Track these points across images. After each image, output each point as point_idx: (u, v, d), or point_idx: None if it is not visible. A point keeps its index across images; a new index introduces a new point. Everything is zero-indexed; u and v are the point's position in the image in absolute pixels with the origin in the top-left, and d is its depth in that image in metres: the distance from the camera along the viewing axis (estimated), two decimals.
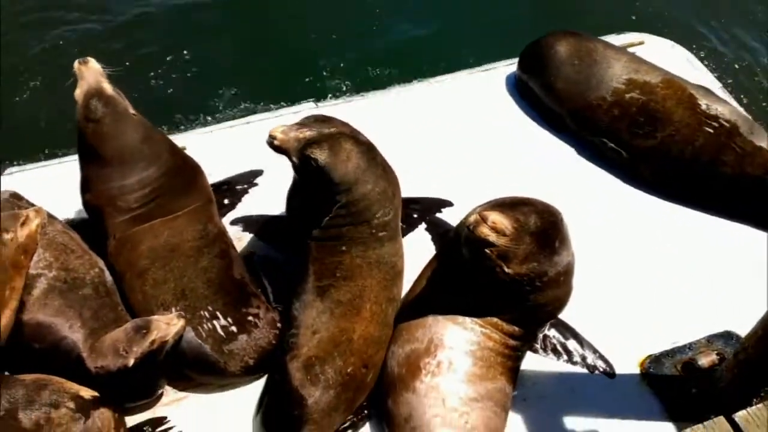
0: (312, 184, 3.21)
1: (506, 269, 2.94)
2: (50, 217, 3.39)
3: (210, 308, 3.28)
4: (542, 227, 2.97)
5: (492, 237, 2.88)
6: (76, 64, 3.36)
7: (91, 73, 3.34)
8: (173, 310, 3.18)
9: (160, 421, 3.28)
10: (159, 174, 3.42)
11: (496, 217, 2.90)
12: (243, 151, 4.42)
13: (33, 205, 3.53)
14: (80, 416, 2.82)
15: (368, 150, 3.22)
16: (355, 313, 3.19)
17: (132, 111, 3.43)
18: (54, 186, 4.18)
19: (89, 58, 3.39)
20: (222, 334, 3.25)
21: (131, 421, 3.25)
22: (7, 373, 3.10)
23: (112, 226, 3.39)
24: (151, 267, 3.33)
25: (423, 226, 4.07)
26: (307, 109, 4.86)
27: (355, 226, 3.20)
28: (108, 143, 3.33)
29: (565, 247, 3.07)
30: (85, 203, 3.48)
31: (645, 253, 4.01)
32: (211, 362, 3.26)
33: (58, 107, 5.75)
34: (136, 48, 6.31)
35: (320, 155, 3.05)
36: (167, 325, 2.90)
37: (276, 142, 3.10)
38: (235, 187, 4.16)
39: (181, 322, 2.94)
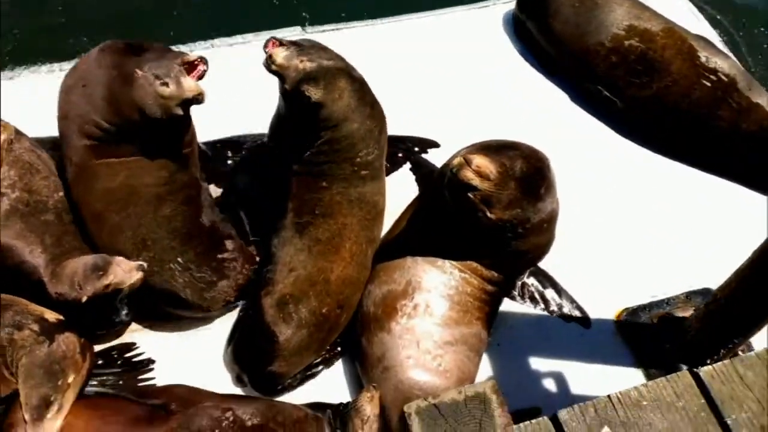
0: (298, 113, 3.07)
1: (489, 214, 2.86)
2: (18, 133, 3.22)
3: (180, 260, 3.11)
4: (528, 173, 2.88)
5: (475, 181, 2.78)
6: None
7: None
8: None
9: (129, 347, 3.24)
10: None
11: (480, 161, 2.80)
12: (225, 74, 4.22)
13: None
14: (44, 339, 2.75)
15: (360, 88, 3.11)
16: (333, 252, 3.12)
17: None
18: (25, 98, 4.01)
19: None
20: (200, 284, 3.16)
21: (99, 347, 3.20)
22: None
23: (73, 149, 3.05)
24: (106, 210, 3.05)
25: (407, 165, 3.97)
26: (293, 35, 4.65)
27: (337, 164, 3.10)
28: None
29: (549, 195, 2.99)
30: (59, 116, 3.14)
31: (632, 205, 3.96)
32: (194, 307, 3.21)
33: (32, 13, 5.44)
34: None
35: (315, 93, 2.91)
36: (124, 273, 2.79)
37: (274, 67, 2.94)
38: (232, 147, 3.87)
39: (139, 275, 2.81)
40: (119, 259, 2.86)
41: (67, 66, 4.37)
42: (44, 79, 4.28)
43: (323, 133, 3.03)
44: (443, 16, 4.93)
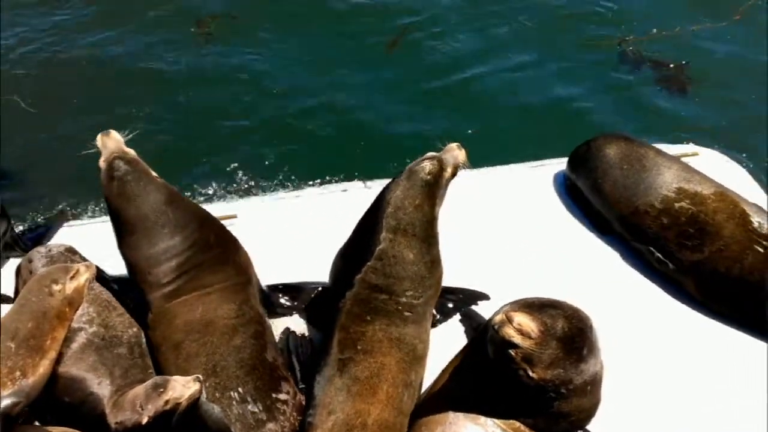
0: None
1: (530, 373, 2.89)
2: (99, 272, 3.56)
3: (240, 390, 3.24)
4: (569, 333, 2.91)
5: (516, 338, 2.85)
6: (99, 137, 3.47)
7: (112, 142, 3.46)
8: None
9: None
10: (186, 245, 3.44)
11: (521, 319, 2.88)
12: (291, 223, 4.59)
13: (86, 260, 3.74)
14: None
15: (434, 239, 3.50)
16: (371, 393, 3.19)
17: (153, 173, 3.53)
18: (108, 242, 4.40)
19: (111, 130, 3.50)
20: (251, 421, 3.22)
21: None
22: (37, 424, 3.21)
23: (149, 301, 3.45)
24: (186, 339, 3.35)
25: (457, 317, 4.05)
26: (356, 188, 5.02)
27: (382, 294, 3.34)
28: (131, 203, 3.39)
29: (593, 356, 2.99)
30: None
31: (682, 370, 3.83)
32: None
33: None
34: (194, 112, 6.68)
35: (429, 167, 3.52)
36: (183, 387, 2.90)
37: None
38: (292, 292, 4.08)
39: (197, 386, 2.89)
40: (176, 376, 3.00)
41: None
42: None
43: (382, 236, 3.35)
44: (498, 173, 5.18)
